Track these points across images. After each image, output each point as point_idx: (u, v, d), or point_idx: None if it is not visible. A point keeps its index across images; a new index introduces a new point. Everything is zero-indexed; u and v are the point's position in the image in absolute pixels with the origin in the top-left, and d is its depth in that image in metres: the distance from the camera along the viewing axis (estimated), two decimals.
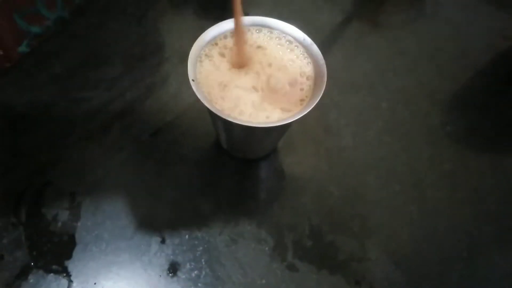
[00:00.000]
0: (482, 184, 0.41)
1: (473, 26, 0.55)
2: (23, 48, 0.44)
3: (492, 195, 0.41)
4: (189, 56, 0.31)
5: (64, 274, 0.34)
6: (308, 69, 0.34)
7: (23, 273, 0.34)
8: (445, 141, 0.44)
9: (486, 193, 0.41)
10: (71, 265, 0.34)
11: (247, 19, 0.35)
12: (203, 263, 0.35)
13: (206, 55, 0.34)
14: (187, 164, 0.40)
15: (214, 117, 0.32)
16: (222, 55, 0.34)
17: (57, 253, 0.35)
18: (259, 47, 0.35)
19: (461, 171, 0.42)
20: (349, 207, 0.38)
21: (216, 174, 0.39)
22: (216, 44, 0.35)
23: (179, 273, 0.35)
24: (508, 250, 0.38)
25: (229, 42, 0.35)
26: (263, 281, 0.35)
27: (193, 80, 0.31)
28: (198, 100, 0.29)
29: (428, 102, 0.46)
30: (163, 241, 0.36)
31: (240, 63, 0.34)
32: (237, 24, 0.32)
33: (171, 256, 0.35)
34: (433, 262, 0.37)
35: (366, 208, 0.39)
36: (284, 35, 0.36)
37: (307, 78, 0.33)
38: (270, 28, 0.36)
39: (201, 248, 0.36)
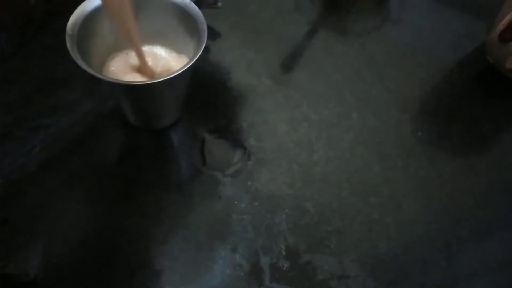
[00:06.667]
0: (456, 189, 0.41)
1: (438, 30, 0.55)
2: None
3: (467, 200, 0.41)
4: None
5: None
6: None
7: None
8: (417, 148, 0.43)
9: (460, 198, 0.41)
10: None
11: None
12: None
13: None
14: (156, 192, 0.38)
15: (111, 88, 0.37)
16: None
17: None
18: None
19: (435, 178, 0.41)
20: (325, 223, 0.37)
21: (185, 200, 0.38)
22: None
23: None
24: (487, 256, 0.38)
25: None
26: None
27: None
28: None
29: (398, 109, 0.46)
30: (132, 275, 0.34)
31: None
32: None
33: None
34: (413, 274, 0.36)
35: (343, 223, 0.38)
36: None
37: None
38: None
39: None
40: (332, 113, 0.45)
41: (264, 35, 0.51)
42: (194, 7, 0.35)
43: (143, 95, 0.35)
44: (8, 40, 0.43)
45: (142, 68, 0.37)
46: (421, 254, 0.37)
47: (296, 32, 0.52)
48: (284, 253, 0.36)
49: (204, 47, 0.33)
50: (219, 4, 0.46)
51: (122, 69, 0.37)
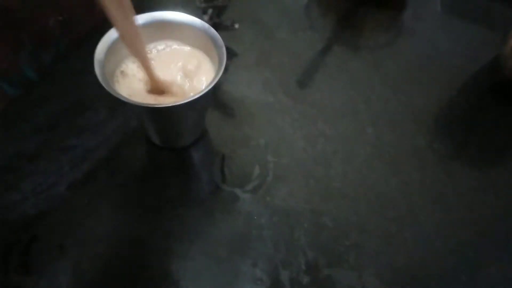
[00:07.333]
0: (474, 202, 0.41)
1: (452, 42, 0.56)
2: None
3: (485, 213, 0.41)
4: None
5: None
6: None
7: None
8: (433, 162, 0.44)
9: (478, 211, 0.41)
10: None
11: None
12: None
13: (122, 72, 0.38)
14: (178, 208, 0.39)
15: (137, 112, 0.38)
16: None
17: None
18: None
19: (452, 191, 0.42)
20: (343, 238, 0.38)
21: (206, 216, 0.39)
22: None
23: None
24: (507, 269, 0.37)
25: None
26: None
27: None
28: None
29: (413, 123, 0.47)
30: None
31: (158, 90, 0.37)
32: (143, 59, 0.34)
33: None
34: None
35: (361, 237, 0.38)
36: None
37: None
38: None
39: None
40: (348, 128, 0.46)
41: (280, 53, 0.52)
42: (213, 31, 0.37)
43: (165, 116, 0.37)
44: (34, 64, 0.46)
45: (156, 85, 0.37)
46: (441, 268, 0.37)
47: (310, 49, 0.53)
48: (303, 267, 0.36)
49: None
50: (236, 25, 0.48)
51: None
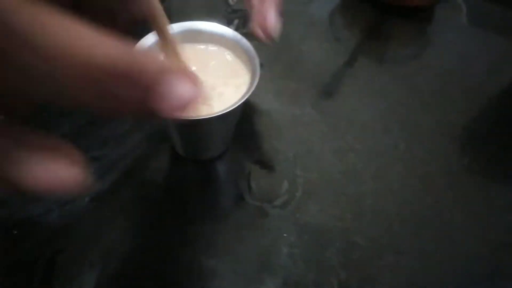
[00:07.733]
0: (510, 221, 0.40)
1: (481, 55, 0.55)
2: None
3: None
4: None
5: None
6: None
7: None
8: (468, 179, 0.42)
9: None
10: None
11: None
12: None
13: None
14: (204, 223, 0.38)
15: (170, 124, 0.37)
16: None
17: None
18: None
19: (489, 210, 0.40)
20: (377, 257, 0.36)
21: (234, 232, 0.38)
22: None
23: None
24: None
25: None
26: None
27: None
28: None
29: (445, 138, 0.45)
30: None
31: None
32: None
33: None
34: None
35: (395, 257, 0.37)
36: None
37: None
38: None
39: None
40: (378, 143, 0.44)
41: (306, 65, 0.51)
42: (246, 42, 0.36)
43: (195, 128, 0.36)
44: None
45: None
46: None
47: (336, 61, 0.52)
48: None
49: None
50: None
51: None
